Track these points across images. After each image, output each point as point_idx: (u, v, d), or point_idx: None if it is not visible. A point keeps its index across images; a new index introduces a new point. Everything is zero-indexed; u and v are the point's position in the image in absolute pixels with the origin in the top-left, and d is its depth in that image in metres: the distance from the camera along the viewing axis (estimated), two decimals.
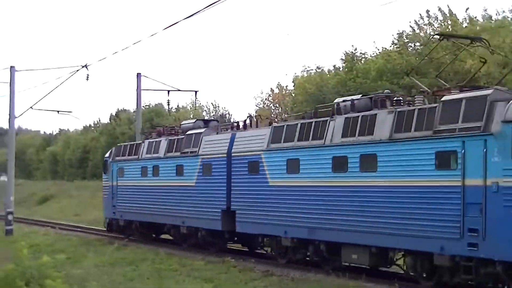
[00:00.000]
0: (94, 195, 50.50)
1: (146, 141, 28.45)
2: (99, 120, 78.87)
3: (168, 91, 36.87)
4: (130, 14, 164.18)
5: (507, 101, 14.29)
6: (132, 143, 31.00)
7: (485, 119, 14.40)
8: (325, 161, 18.49)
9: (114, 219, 30.86)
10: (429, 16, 40.30)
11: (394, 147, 16.54)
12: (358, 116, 17.74)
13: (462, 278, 15.07)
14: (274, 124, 21.26)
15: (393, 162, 16.55)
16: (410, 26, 41.03)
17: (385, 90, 18.91)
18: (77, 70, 31.35)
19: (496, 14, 38.07)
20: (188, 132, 25.42)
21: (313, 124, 19.19)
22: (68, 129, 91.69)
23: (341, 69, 44.54)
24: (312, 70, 47.74)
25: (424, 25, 40.51)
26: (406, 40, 40.54)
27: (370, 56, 43.41)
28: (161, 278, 18.59)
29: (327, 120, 18.78)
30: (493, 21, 36.44)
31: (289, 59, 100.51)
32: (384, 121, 16.91)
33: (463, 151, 14.75)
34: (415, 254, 16.28)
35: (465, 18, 38.89)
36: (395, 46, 40.93)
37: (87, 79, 31.01)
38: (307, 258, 20.09)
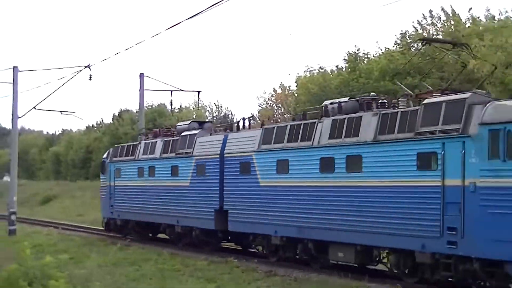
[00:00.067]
0: (97, 195, 50.34)
1: (143, 142, 29.00)
2: (102, 120, 79.01)
3: (171, 91, 36.84)
4: (132, 15, 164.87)
5: (484, 104, 14.79)
6: (129, 144, 31.53)
7: (464, 121, 14.91)
8: (313, 162, 19.01)
9: (112, 219, 31.37)
10: (432, 16, 40.44)
11: (378, 148, 17.05)
12: (345, 118, 18.25)
13: (442, 275, 15.61)
14: (265, 126, 21.79)
15: (377, 163, 17.07)
16: (413, 26, 41.22)
17: (371, 93, 19.37)
18: (80, 71, 31.72)
19: (499, 14, 37.90)
20: (183, 134, 25.97)
21: (302, 126, 19.71)
22: (71, 129, 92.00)
23: (344, 69, 44.71)
24: (315, 70, 47.97)
25: (427, 25, 40.65)
26: (409, 40, 40.68)
27: (373, 56, 43.55)
28: (164, 278, 18.61)
29: (315, 122, 19.30)
30: (496, 21, 36.48)
31: (291, 59, 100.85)
32: (369, 123, 17.42)
33: (443, 152, 15.25)
34: (398, 252, 16.78)
35: (468, 18, 38.93)
36: (398, 46, 41.05)
37: (90, 79, 31.41)
38: (297, 257, 20.59)
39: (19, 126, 39.90)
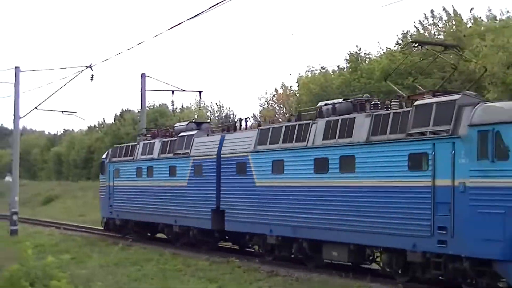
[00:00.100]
0: (99, 195, 50.87)
1: (141, 143, 29.27)
2: (104, 121, 78.99)
3: (173, 91, 36.91)
4: (134, 15, 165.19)
5: (473, 106, 15.04)
6: (128, 144, 31.79)
7: (454, 123, 15.15)
8: (307, 163, 19.27)
9: (111, 219, 31.65)
10: (433, 16, 40.57)
11: (370, 149, 17.30)
12: (338, 120, 18.50)
13: (433, 273, 15.87)
14: (261, 127, 22.05)
15: (369, 163, 17.31)
16: (415, 26, 41.34)
17: (365, 95, 19.60)
18: (82, 71, 31.81)
19: (501, 14, 37.88)
20: (181, 134, 26.24)
21: (296, 127, 19.96)
22: (72, 129, 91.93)
23: (345, 70, 44.89)
24: (316, 70, 48.14)
25: (428, 25, 40.79)
26: (410, 40, 40.61)
27: (375, 56, 43.74)
28: (166, 278, 18.73)
29: (309, 123, 19.55)
30: (497, 21, 36.55)
31: (293, 59, 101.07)
32: (362, 124, 17.65)
33: (433, 153, 15.49)
34: (390, 251, 17.02)
35: (469, 18, 39.01)
36: (399, 46, 40.96)
37: (91, 79, 31.51)
38: (292, 256, 20.83)
39: (21, 126, 40.17)
